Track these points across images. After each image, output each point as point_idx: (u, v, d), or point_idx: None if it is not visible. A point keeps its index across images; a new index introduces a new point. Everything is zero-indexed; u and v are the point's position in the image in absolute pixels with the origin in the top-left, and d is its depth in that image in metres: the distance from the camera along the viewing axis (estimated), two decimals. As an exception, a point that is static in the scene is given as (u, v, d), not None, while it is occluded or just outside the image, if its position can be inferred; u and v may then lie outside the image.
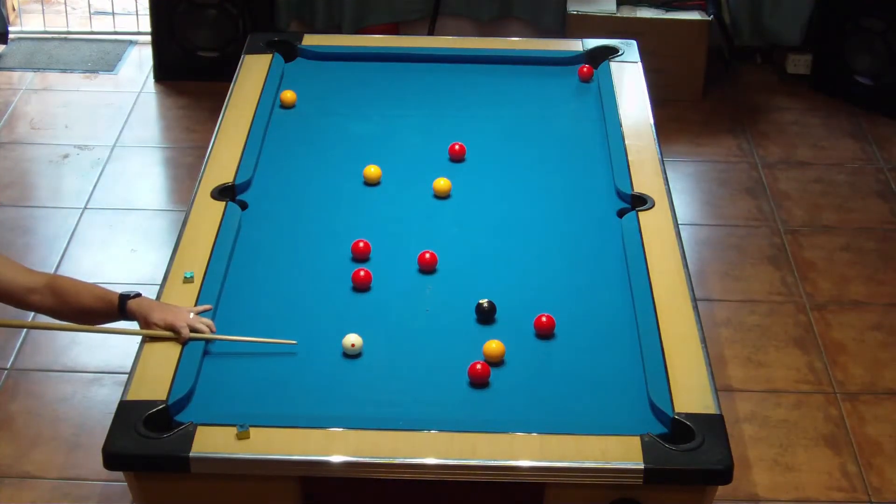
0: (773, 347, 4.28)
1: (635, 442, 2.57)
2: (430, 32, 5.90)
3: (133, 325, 2.90)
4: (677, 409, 2.65)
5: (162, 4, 5.76)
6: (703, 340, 2.89)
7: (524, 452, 2.56)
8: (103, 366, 4.12)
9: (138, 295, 2.89)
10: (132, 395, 2.67)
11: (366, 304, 3.05)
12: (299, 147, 3.73)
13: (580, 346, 2.92)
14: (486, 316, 2.98)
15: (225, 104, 3.86)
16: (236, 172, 3.50)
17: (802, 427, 3.95)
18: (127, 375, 2.76)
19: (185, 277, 3.05)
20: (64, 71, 5.92)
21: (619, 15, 5.66)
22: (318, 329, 2.93)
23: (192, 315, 2.86)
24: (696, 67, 5.72)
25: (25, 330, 4.20)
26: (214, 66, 5.74)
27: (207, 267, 3.10)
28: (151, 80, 5.87)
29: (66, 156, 5.28)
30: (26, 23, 6.29)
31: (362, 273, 3.09)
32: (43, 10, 6.29)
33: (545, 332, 2.93)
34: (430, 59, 4.22)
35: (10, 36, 6.06)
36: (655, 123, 3.81)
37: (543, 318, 2.93)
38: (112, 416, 2.63)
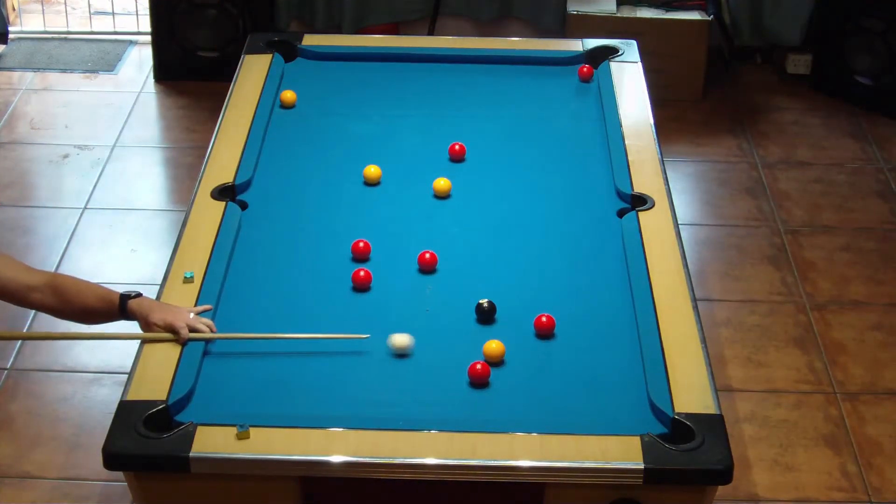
0: (773, 347, 4.28)
1: (635, 442, 2.57)
2: (430, 32, 5.90)
3: (132, 326, 2.90)
4: (677, 409, 2.65)
5: (162, 4, 5.76)
6: (703, 340, 2.88)
7: (524, 452, 2.56)
8: (103, 366, 4.12)
9: (139, 295, 2.89)
10: (132, 395, 2.67)
11: (366, 304, 3.05)
12: (299, 147, 3.73)
13: (580, 346, 2.91)
14: (486, 316, 2.98)
15: (225, 104, 3.86)
16: (236, 172, 3.50)
17: (802, 427, 3.95)
18: (127, 375, 2.76)
19: (185, 277, 3.04)
20: (64, 71, 5.92)
21: (619, 15, 5.66)
22: (318, 329, 2.92)
23: (192, 315, 2.86)
24: (696, 67, 5.72)
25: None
26: (214, 66, 5.74)
27: (207, 267, 3.10)
28: (151, 80, 5.87)
29: (66, 156, 5.28)
30: (26, 23, 6.29)
31: (362, 273, 3.09)
32: (43, 10, 6.29)
33: (545, 332, 2.93)
34: (430, 59, 4.22)
35: (10, 36, 6.06)
36: (655, 123, 3.81)
37: (543, 318, 2.93)
38: (112, 416, 2.62)
